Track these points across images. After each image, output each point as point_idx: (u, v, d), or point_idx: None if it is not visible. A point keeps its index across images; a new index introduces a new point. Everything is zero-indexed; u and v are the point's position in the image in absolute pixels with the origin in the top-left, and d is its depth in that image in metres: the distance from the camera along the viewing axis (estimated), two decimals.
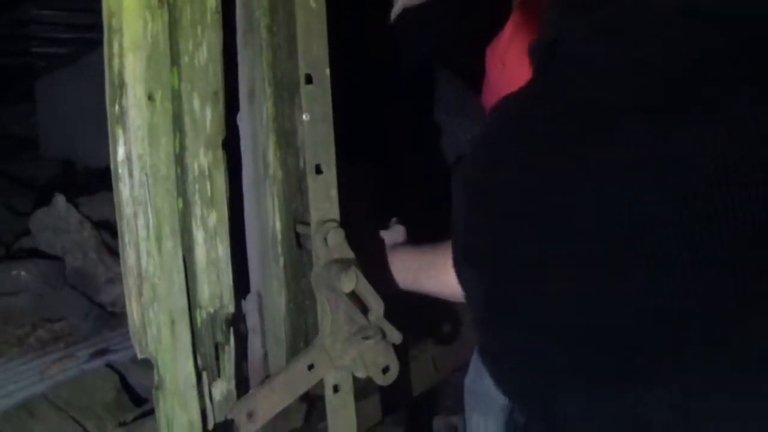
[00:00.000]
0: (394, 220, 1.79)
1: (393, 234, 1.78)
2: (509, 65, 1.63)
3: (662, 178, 0.82)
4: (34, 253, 2.91)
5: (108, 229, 2.89)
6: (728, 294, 0.78)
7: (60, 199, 2.93)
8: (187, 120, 1.47)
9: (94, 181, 3.42)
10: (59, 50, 4.64)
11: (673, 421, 0.82)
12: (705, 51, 0.85)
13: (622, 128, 0.88)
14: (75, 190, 3.18)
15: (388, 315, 1.56)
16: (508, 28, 1.63)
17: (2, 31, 4.43)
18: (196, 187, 1.50)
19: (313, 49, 1.51)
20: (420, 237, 1.72)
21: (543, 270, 0.99)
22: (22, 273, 2.74)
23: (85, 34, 4.28)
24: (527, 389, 1.06)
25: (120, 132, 1.41)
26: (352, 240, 1.55)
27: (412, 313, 1.68)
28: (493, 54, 1.64)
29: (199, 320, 1.53)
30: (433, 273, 1.62)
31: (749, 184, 0.77)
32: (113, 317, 2.67)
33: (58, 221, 2.89)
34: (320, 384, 1.60)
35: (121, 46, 1.40)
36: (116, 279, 2.66)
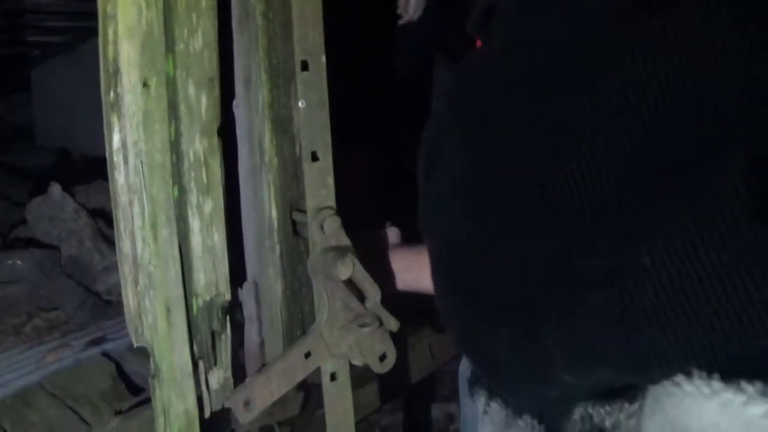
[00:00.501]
0: (388, 223, 1.78)
1: (388, 235, 1.76)
2: None
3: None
4: (30, 243, 2.91)
5: (104, 218, 2.89)
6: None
7: (56, 188, 2.92)
8: (182, 107, 1.46)
9: (90, 169, 3.42)
10: (55, 39, 4.63)
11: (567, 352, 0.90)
12: None
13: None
14: (71, 179, 3.17)
15: (385, 302, 1.56)
16: None
17: None
18: (192, 174, 1.49)
19: (308, 35, 1.50)
20: (416, 232, 1.71)
21: (477, 241, 1.08)
22: (18, 262, 2.74)
23: (81, 22, 4.28)
24: (468, 341, 1.19)
25: (115, 119, 1.40)
26: (348, 228, 1.54)
27: (409, 301, 1.67)
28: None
29: (195, 308, 1.52)
30: None
31: None
32: (109, 306, 2.66)
33: (54, 210, 2.89)
34: (317, 372, 1.59)
35: (115, 33, 1.39)
36: (112, 267, 2.66)
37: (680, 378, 0.76)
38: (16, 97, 5.14)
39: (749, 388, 0.70)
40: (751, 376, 0.72)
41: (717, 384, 0.73)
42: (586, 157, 0.86)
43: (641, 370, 0.81)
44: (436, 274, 1.25)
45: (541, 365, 0.95)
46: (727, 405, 0.71)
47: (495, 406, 1.16)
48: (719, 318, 0.74)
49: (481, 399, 1.23)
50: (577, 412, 0.95)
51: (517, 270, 0.99)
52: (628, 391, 0.83)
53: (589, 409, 0.93)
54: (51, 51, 4.68)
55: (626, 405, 0.86)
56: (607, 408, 0.91)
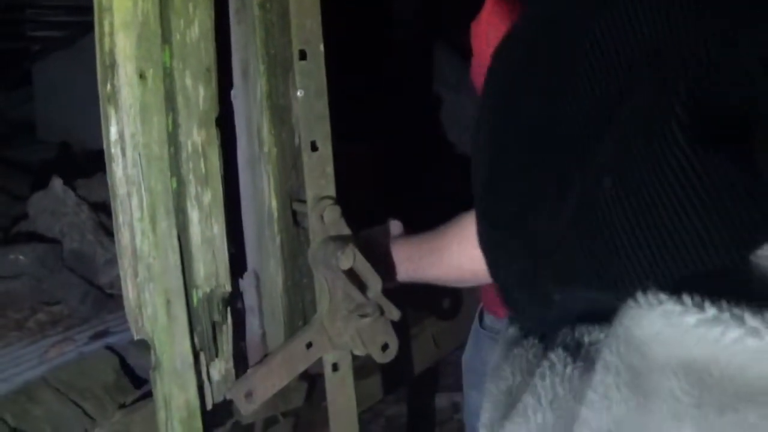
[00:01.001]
0: (390, 218, 1.77)
1: (390, 228, 1.76)
2: (493, 44, 1.60)
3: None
4: (32, 237, 2.91)
5: (106, 211, 2.89)
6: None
7: (57, 182, 2.93)
8: (179, 98, 1.46)
9: (92, 163, 3.42)
10: (55, 34, 4.63)
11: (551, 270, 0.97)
12: None
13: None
14: (72, 173, 3.18)
15: (387, 292, 1.55)
16: (488, 3, 1.59)
17: None
18: (190, 165, 1.48)
19: (306, 24, 1.49)
20: (417, 224, 1.71)
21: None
22: (20, 257, 2.74)
23: (81, 17, 4.27)
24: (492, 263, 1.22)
25: (112, 111, 1.40)
26: (348, 217, 1.54)
27: (412, 290, 1.67)
28: (477, 31, 1.61)
29: (195, 300, 1.52)
30: (436, 258, 1.60)
31: None
32: (111, 299, 2.67)
33: (56, 204, 2.89)
34: (321, 362, 1.59)
35: (111, 25, 1.39)
36: (114, 261, 2.65)
37: (638, 294, 0.80)
38: (17, 92, 5.14)
39: (688, 300, 0.75)
40: (695, 292, 0.77)
41: (663, 296, 0.77)
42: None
43: (609, 288, 0.88)
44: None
45: (537, 285, 1.03)
46: (667, 314, 0.76)
47: (511, 330, 1.22)
48: (670, 240, 0.81)
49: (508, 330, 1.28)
50: (565, 331, 1.02)
51: (523, 174, 1.06)
52: (611, 314, 0.87)
53: (575, 328, 1.00)
54: (51, 46, 4.68)
55: (606, 324, 0.90)
56: (589, 327, 0.98)
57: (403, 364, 2.61)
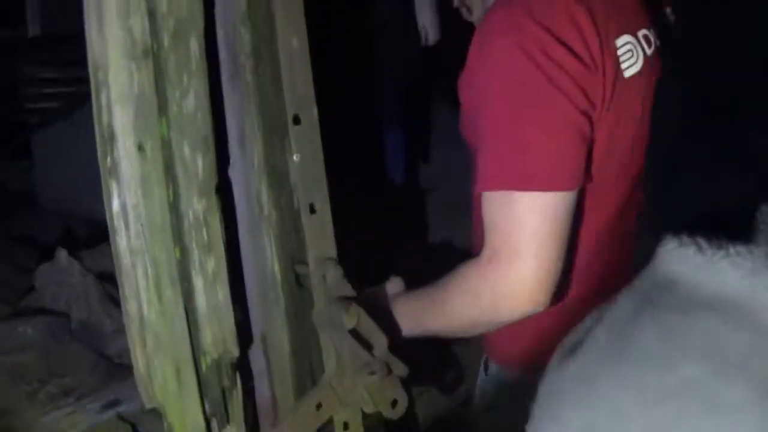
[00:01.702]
0: (392, 276, 1.79)
1: (392, 286, 1.77)
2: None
3: None
4: (40, 310, 2.92)
5: (111, 281, 2.89)
6: None
7: (62, 254, 2.94)
8: (179, 168, 1.47)
9: (95, 233, 3.44)
10: (53, 105, 4.67)
11: None
12: None
13: None
14: (76, 244, 3.19)
15: (393, 348, 1.56)
16: (472, 54, 1.59)
17: None
18: (193, 234, 1.50)
19: (298, 88, 1.52)
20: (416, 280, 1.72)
21: None
22: (29, 330, 2.75)
23: (78, 87, 4.31)
24: None
25: (113, 184, 1.42)
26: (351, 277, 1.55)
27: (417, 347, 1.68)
28: (463, 85, 1.62)
29: (204, 366, 1.53)
30: (438, 310, 1.62)
31: None
32: (121, 368, 2.66)
33: (62, 276, 2.90)
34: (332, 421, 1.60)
35: (108, 98, 1.41)
36: (122, 330, 2.64)
37: None
38: (18, 164, 5.17)
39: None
40: None
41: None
42: None
43: None
44: None
45: None
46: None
47: None
48: None
49: None
50: None
51: None
52: None
53: None
54: (50, 117, 4.72)
55: None
56: None
57: (413, 419, 2.61)
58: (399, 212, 3.34)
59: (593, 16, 1.49)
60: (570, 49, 1.45)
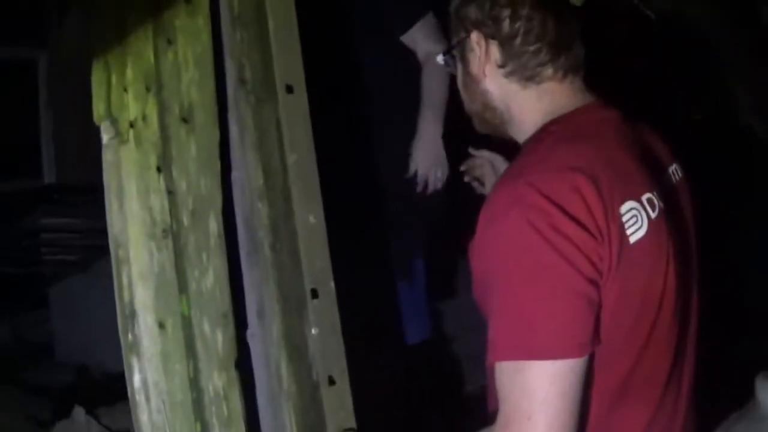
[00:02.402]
0: None
1: None
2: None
3: None
4: None
5: None
6: None
7: (79, 411, 2.94)
8: (198, 344, 1.50)
9: (112, 386, 3.44)
10: (70, 257, 4.70)
11: None
12: None
13: None
14: (93, 399, 3.19)
15: None
16: (481, 225, 1.62)
17: (14, 241, 4.51)
18: (213, 409, 1.51)
19: (316, 264, 1.55)
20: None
21: None
22: None
23: (95, 240, 4.35)
24: None
25: (134, 360, 1.44)
26: None
27: None
28: (473, 254, 1.65)
29: None
30: None
31: None
32: None
33: None
34: None
35: (129, 276, 1.45)
36: None
37: None
38: (35, 315, 5.20)
39: None
40: None
41: None
42: None
43: None
44: None
45: None
46: None
47: None
48: None
49: None
50: None
51: None
52: None
53: None
54: (67, 269, 4.75)
55: None
56: None
57: None
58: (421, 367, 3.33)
59: (597, 185, 1.52)
60: (575, 220, 1.48)
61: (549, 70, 1.68)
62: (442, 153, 3.00)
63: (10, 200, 4.51)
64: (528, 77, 1.69)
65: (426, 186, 3.05)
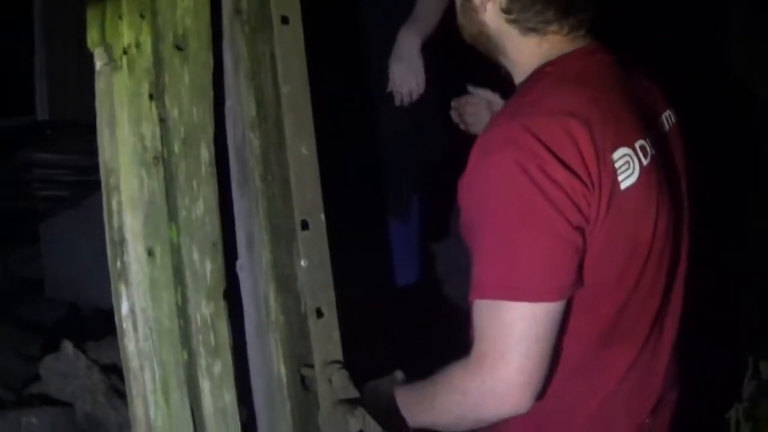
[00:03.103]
0: (395, 369, 1.80)
1: (393, 379, 1.78)
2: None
3: None
4: (45, 399, 2.92)
5: (117, 374, 2.89)
6: None
7: (68, 346, 2.94)
8: (187, 273, 1.50)
9: (101, 322, 3.45)
10: (62, 193, 4.68)
11: None
12: None
13: None
14: (82, 333, 3.19)
15: None
16: (472, 161, 1.61)
17: (6, 176, 4.48)
18: (200, 338, 1.51)
19: (306, 195, 1.54)
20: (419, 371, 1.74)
21: None
22: (33, 420, 2.75)
23: (87, 176, 4.33)
24: None
25: (122, 288, 1.44)
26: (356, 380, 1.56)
27: None
28: (462, 189, 1.64)
29: None
30: (428, 405, 1.64)
31: None
32: None
33: (67, 367, 2.90)
34: None
35: (119, 203, 1.44)
36: (127, 423, 2.65)
37: None
38: (27, 251, 5.19)
39: None
40: None
41: None
42: None
43: None
44: None
45: None
46: None
47: None
48: None
49: None
50: None
51: None
52: None
53: None
54: (59, 204, 4.73)
55: None
56: None
57: None
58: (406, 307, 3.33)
59: (591, 131, 1.51)
60: (566, 165, 1.47)
61: (554, 26, 1.66)
62: (419, 63, 2.99)
63: (2, 135, 4.47)
64: (530, 29, 1.67)
65: (403, 99, 3.04)
